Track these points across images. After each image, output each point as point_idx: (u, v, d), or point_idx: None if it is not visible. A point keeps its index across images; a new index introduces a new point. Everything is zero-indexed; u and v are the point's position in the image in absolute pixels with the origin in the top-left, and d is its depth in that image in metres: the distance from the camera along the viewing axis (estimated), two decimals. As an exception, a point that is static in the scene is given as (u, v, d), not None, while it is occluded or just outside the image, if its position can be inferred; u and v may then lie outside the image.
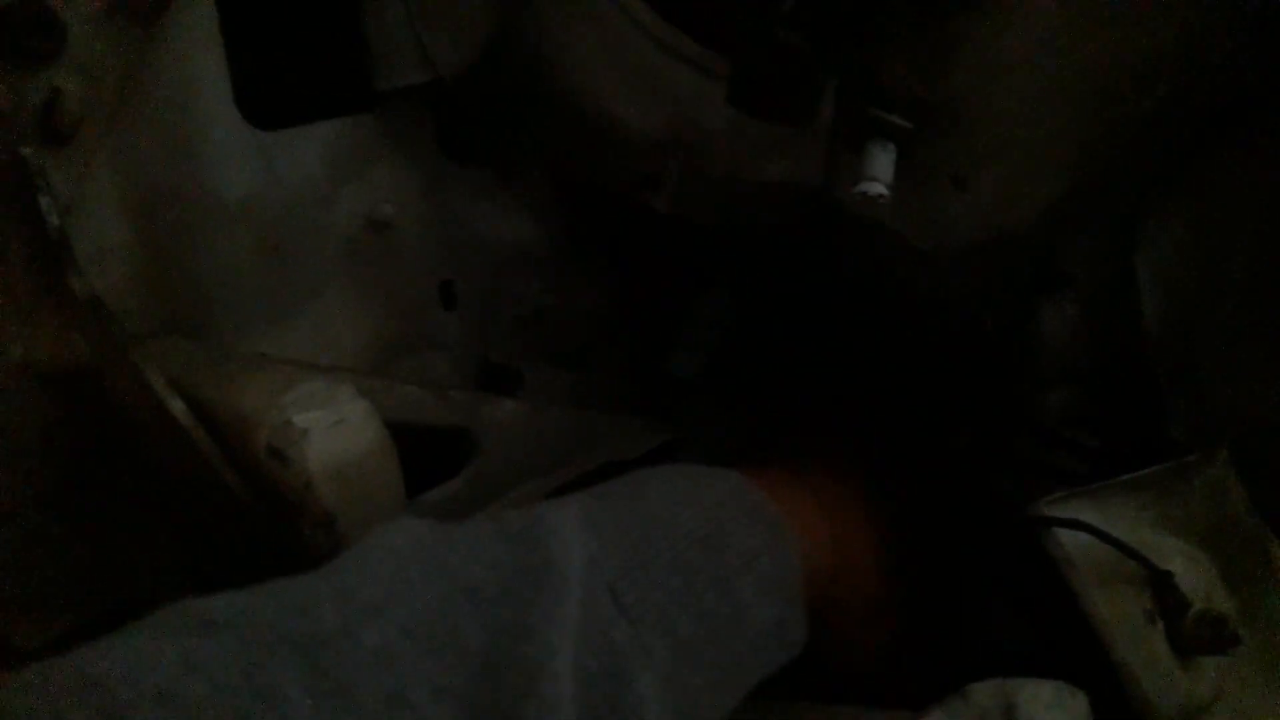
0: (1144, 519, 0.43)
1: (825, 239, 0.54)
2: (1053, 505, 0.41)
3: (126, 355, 0.34)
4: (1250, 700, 0.42)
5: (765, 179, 0.53)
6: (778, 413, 0.58)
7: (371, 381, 0.42)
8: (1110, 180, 0.48)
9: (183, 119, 0.40)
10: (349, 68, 0.45)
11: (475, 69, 0.49)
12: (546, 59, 0.50)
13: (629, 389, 0.58)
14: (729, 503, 0.36)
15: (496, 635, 0.26)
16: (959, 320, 0.51)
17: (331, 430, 0.34)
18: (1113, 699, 0.40)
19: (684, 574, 0.32)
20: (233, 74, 0.41)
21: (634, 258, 0.58)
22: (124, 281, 0.40)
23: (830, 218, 0.52)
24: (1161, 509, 0.43)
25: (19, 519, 0.36)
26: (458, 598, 0.27)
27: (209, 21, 0.40)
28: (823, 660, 0.38)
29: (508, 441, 0.48)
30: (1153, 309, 0.46)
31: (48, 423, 0.36)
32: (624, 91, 0.52)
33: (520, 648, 0.26)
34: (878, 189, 0.44)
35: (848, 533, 0.42)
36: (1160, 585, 0.41)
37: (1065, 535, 0.40)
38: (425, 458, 0.48)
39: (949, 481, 0.48)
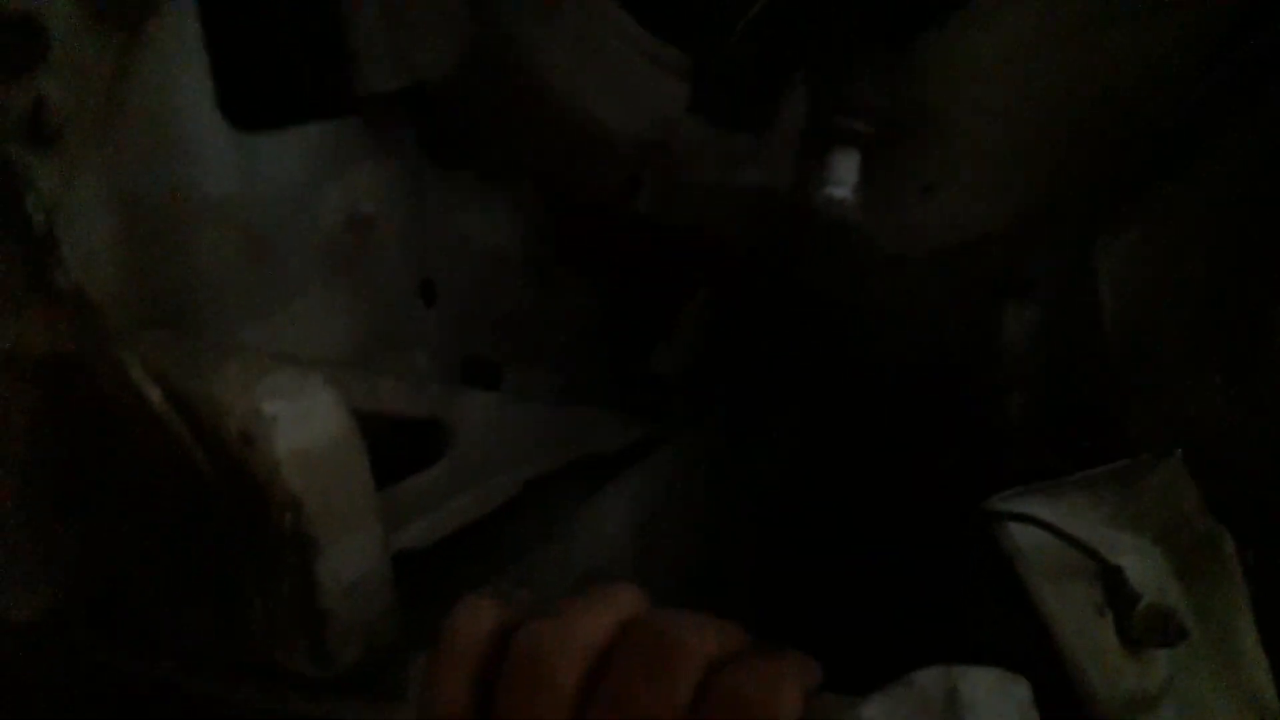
0: (1098, 516, 0.44)
1: (798, 245, 0.55)
2: (1006, 500, 0.42)
3: (108, 347, 0.36)
4: (1199, 692, 0.43)
5: (742, 185, 0.54)
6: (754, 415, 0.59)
7: (345, 373, 0.44)
8: (1073, 188, 0.49)
9: (167, 121, 0.42)
10: (331, 72, 0.47)
11: (456, 73, 0.50)
12: (526, 64, 0.51)
13: (609, 388, 0.59)
14: None
15: None
16: (924, 326, 0.52)
17: (299, 418, 0.35)
18: (1061, 690, 0.41)
19: None
20: (215, 77, 0.42)
21: (616, 259, 0.59)
22: (111, 279, 0.41)
23: (801, 224, 0.53)
24: (1115, 506, 0.44)
25: (6, 502, 0.38)
26: None
27: (192, 26, 0.41)
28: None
29: (484, 433, 0.50)
30: (1111, 313, 0.47)
31: (35, 412, 0.38)
32: (604, 96, 0.54)
33: None
34: (841, 193, 0.45)
35: None
36: (1110, 579, 0.42)
37: (1017, 529, 0.41)
38: (402, 449, 0.49)
39: (915, 483, 0.50)
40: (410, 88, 0.49)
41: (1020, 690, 0.37)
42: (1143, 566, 0.43)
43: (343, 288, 0.48)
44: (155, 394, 0.35)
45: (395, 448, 0.49)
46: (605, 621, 0.33)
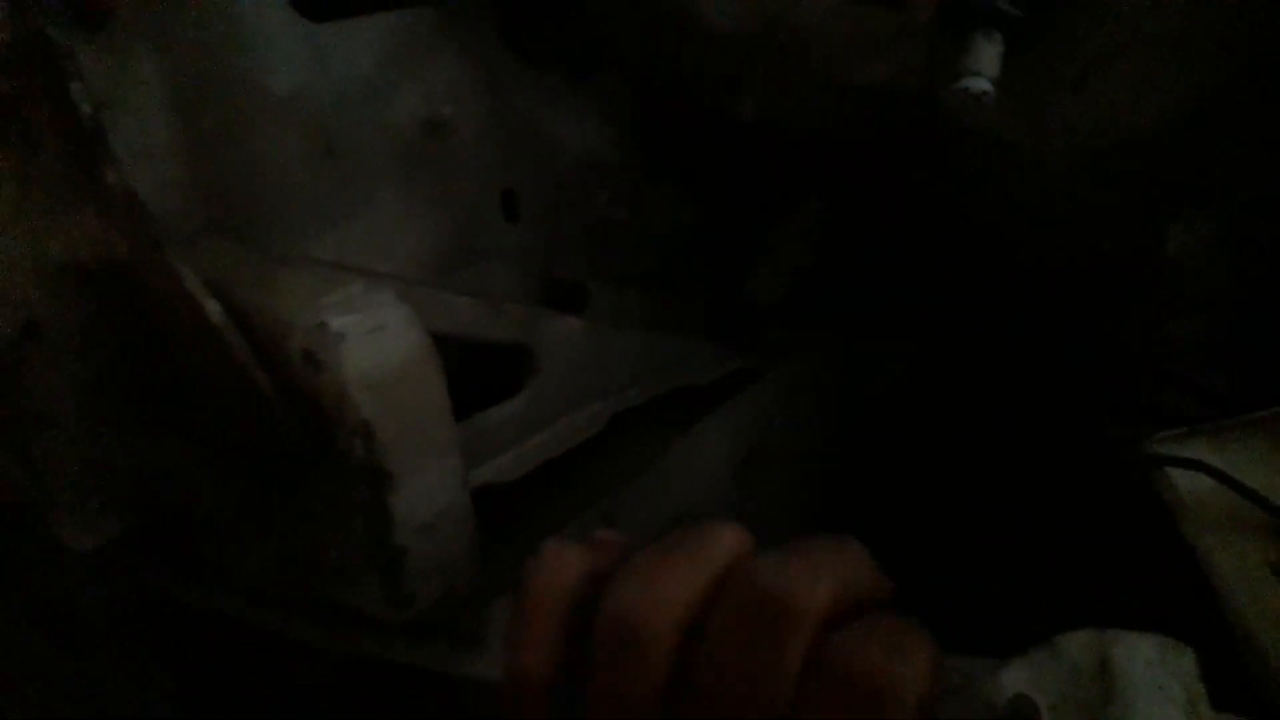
0: (1274, 462, 0.38)
1: (926, 151, 0.50)
2: (1167, 443, 0.37)
3: (162, 253, 0.32)
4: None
5: (861, 83, 0.48)
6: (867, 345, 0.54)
7: (418, 290, 0.40)
8: (1258, 76, 0.42)
9: (229, 7, 0.38)
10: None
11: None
12: (621, -53, 0.46)
13: (704, 313, 0.54)
14: None
15: None
16: (1075, 240, 0.46)
17: (369, 336, 0.31)
18: (1227, 661, 0.35)
19: None
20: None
21: (714, 169, 0.54)
22: (169, 181, 0.38)
23: (933, 126, 0.47)
24: (1295, 454, 0.38)
25: (61, 423, 0.35)
26: None
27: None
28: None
29: (570, 360, 0.46)
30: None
31: (87, 323, 0.35)
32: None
33: None
34: (981, 85, 0.39)
35: None
36: (1290, 537, 0.36)
37: (1180, 477, 0.36)
38: (482, 375, 0.46)
39: (1054, 421, 0.44)
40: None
41: (1185, 661, 0.32)
42: (1328, 523, 0.37)
43: (418, 196, 0.45)
44: (212, 306, 0.32)
45: (474, 375, 0.46)
46: (701, 577, 0.29)
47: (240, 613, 0.39)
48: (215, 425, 0.35)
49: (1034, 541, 0.43)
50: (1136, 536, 0.39)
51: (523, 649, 0.29)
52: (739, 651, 0.27)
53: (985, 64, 0.39)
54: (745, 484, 0.48)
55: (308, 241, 0.42)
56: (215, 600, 0.40)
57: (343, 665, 0.39)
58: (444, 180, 0.45)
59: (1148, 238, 0.43)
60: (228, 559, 0.37)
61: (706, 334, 0.53)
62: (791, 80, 0.49)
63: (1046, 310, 0.48)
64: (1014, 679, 0.31)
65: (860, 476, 0.51)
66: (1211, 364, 0.42)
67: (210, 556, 0.38)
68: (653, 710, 0.28)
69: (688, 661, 0.28)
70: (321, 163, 0.42)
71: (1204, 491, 0.36)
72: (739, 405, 0.49)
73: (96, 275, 0.34)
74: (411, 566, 0.34)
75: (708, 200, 0.54)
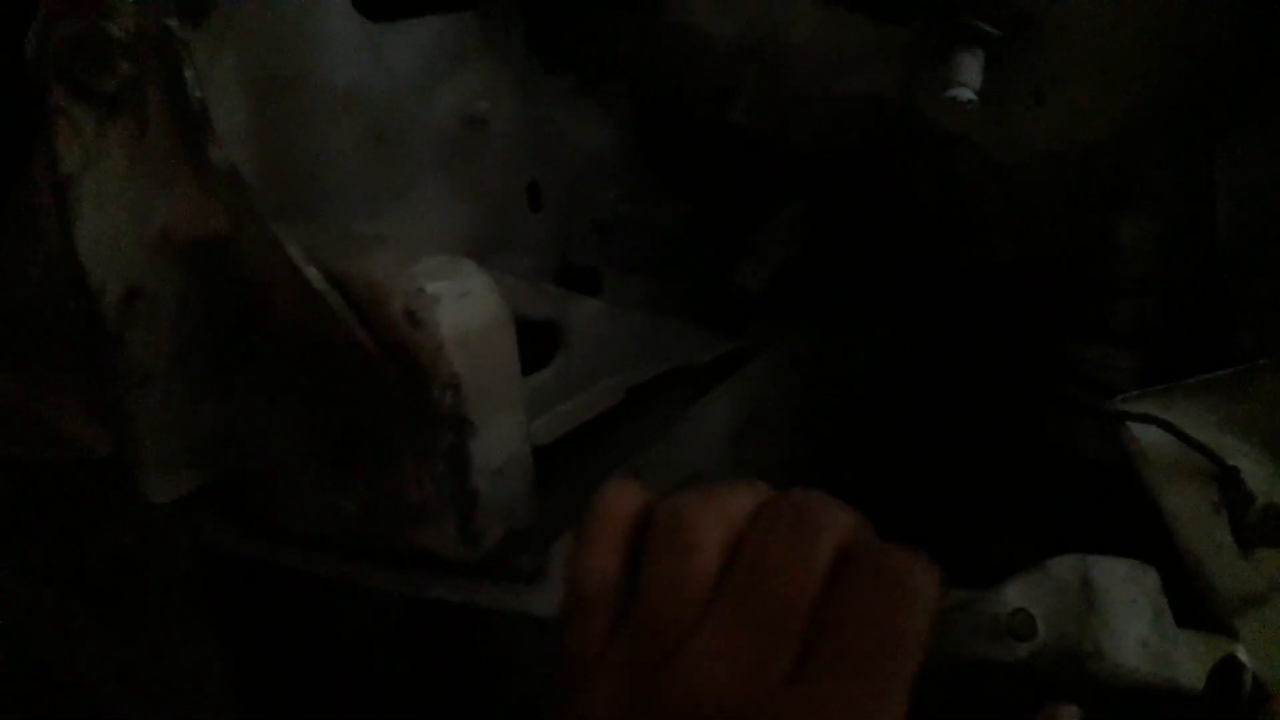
0: (1211, 420, 0.44)
1: (902, 154, 0.55)
2: (1126, 403, 0.43)
3: (265, 225, 0.36)
4: (1305, 592, 0.44)
5: (844, 93, 0.54)
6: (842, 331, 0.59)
7: (474, 267, 0.44)
8: (1184, 97, 0.49)
9: (300, 6, 0.42)
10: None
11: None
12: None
13: (700, 300, 0.59)
14: None
15: None
16: (1033, 234, 0.52)
17: (460, 299, 0.35)
18: (1178, 585, 0.41)
19: None
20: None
21: (708, 172, 0.59)
22: (244, 163, 0.41)
23: (909, 132, 0.53)
24: (1228, 411, 0.44)
25: (154, 382, 0.38)
26: None
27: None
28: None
29: (592, 338, 0.50)
30: (1227, 219, 0.47)
31: (184, 290, 0.38)
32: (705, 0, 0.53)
33: None
34: (967, 95, 0.45)
35: None
36: (1226, 480, 0.42)
37: (1138, 430, 0.42)
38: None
39: (1018, 389, 0.50)
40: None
41: (1150, 579, 0.38)
42: (1256, 469, 0.44)
43: (457, 186, 0.48)
44: (313, 273, 0.35)
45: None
46: (745, 500, 0.33)
47: (306, 564, 0.42)
48: (304, 385, 0.38)
49: (1013, 489, 0.49)
50: (1104, 480, 0.45)
51: (587, 556, 0.32)
52: (779, 546, 0.31)
53: (969, 76, 0.45)
54: (740, 449, 0.53)
55: (358, 224, 0.45)
56: (279, 553, 0.42)
57: (401, 614, 0.42)
58: (479, 171, 0.49)
59: (1097, 234, 0.49)
60: (307, 510, 0.40)
61: (702, 320, 0.58)
62: (779, 91, 0.54)
63: (1007, 295, 0.54)
64: (1013, 595, 0.36)
65: (839, 442, 0.57)
66: (1154, 338, 0.49)
67: (285, 509, 0.41)
68: (696, 605, 0.30)
69: (731, 563, 0.31)
70: (374, 151, 0.45)
71: (1158, 443, 0.42)
72: (736, 382, 0.54)
73: (194, 246, 0.37)
74: (482, 507, 0.37)
75: (702, 199, 0.59)
